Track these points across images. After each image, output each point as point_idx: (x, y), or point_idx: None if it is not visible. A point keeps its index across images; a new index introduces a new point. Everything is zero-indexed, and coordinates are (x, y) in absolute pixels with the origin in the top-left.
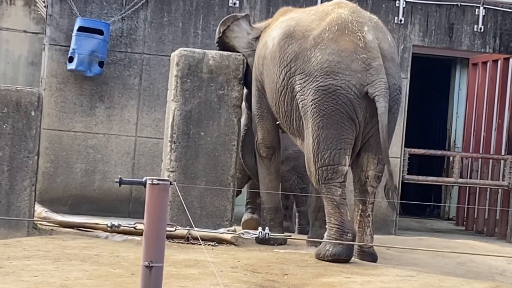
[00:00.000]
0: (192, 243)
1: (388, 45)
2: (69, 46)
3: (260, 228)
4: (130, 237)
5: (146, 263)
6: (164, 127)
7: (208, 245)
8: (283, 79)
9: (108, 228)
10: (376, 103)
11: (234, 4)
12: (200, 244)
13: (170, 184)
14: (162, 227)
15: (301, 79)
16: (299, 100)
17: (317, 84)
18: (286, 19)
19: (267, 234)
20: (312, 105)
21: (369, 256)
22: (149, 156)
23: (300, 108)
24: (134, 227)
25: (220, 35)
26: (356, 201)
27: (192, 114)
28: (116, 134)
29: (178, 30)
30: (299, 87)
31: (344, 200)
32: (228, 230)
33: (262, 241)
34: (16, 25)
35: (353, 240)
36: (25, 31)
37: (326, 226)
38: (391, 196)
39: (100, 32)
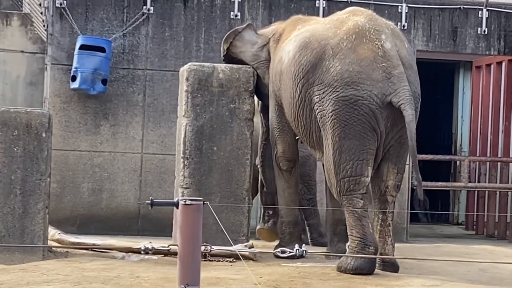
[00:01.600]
0: (210, 260)
1: (406, 52)
2: (71, 65)
3: (296, 246)
4: (146, 256)
5: (182, 286)
6: (169, 142)
7: (226, 261)
8: (300, 91)
9: (142, 251)
10: (403, 111)
11: (236, 16)
12: (219, 261)
13: (204, 203)
14: (197, 248)
15: (320, 89)
16: (317, 111)
17: (337, 95)
18: (300, 32)
19: (304, 251)
20: (332, 115)
21: (391, 266)
22: (156, 172)
23: (318, 119)
24: (168, 250)
25: (225, 53)
26: (376, 211)
27: (204, 129)
28: (121, 151)
29: (180, 44)
30: (317, 98)
31: (366, 212)
32: (245, 246)
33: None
34: (13, 45)
35: (375, 253)
36: (22, 51)
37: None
38: (421, 204)
39: (102, 50)
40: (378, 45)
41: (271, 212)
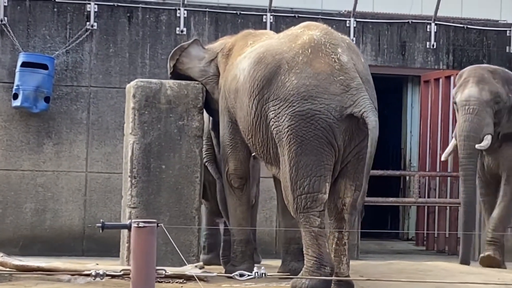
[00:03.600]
0: (160, 281)
1: (362, 66)
2: (12, 83)
3: (256, 268)
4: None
5: None
6: (114, 161)
7: (177, 282)
8: (256, 108)
9: (93, 277)
10: (366, 119)
11: (182, 31)
12: (169, 282)
13: (157, 225)
14: (151, 272)
15: (275, 105)
16: (273, 127)
17: (294, 110)
18: (254, 48)
19: (263, 274)
20: (288, 131)
21: (345, 285)
22: (101, 191)
23: (274, 135)
24: (121, 275)
25: (172, 70)
26: (332, 229)
27: (152, 147)
28: (65, 170)
29: (125, 60)
30: (273, 113)
31: (322, 231)
32: (196, 266)
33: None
34: None
35: (331, 274)
36: None
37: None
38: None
39: (45, 67)
40: (335, 58)
41: (211, 241)
